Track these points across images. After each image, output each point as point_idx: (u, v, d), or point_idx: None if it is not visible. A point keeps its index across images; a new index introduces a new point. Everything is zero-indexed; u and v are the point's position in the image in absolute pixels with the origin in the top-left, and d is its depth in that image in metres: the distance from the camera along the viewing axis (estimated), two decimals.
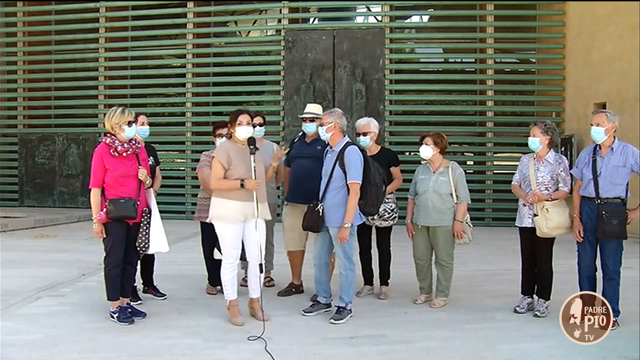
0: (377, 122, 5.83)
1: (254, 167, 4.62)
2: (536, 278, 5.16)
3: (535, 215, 4.95)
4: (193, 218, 5.94)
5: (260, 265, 4.70)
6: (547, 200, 4.90)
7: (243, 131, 4.71)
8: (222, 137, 5.74)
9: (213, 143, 5.92)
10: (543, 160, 5.05)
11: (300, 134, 5.82)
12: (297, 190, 5.49)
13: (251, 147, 4.64)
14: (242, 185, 4.60)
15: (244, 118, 4.73)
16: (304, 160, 5.49)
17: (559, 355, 4.09)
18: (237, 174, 4.67)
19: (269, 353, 4.02)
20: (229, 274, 4.78)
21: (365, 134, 5.60)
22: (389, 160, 5.63)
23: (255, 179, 4.61)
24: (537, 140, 5.03)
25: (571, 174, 5.01)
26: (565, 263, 5.36)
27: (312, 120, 5.54)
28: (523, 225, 5.12)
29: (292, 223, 5.60)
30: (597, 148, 4.75)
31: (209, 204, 5.63)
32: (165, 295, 5.60)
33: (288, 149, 5.34)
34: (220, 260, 5.52)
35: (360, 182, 4.78)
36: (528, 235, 5.10)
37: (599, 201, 4.63)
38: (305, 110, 5.66)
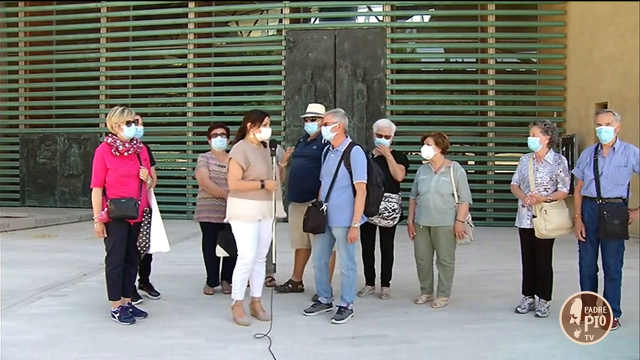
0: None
1: (274, 167, 4.69)
2: (536, 278, 5.15)
3: (534, 216, 4.94)
4: (193, 219, 5.94)
5: (274, 265, 4.78)
6: (546, 202, 4.90)
7: (268, 132, 4.77)
8: (216, 136, 5.77)
9: (202, 143, 5.95)
10: (542, 160, 5.04)
11: (305, 134, 5.83)
12: (296, 190, 5.55)
13: (272, 148, 4.70)
14: (262, 186, 4.64)
15: (268, 120, 4.78)
16: (300, 160, 5.53)
17: (560, 355, 4.08)
18: (255, 174, 4.68)
19: (272, 353, 4.02)
20: (242, 275, 4.75)
21: (387, 137, 5.62)
22: (395, 160, 5.62)
23: (275, 179, 4.67)
24: (536, 140, 5.01)
25: (572, 174, 5.00)
26: (566, 263, 5.36)
27: (313, 119, 5.56)
28: (522, 226, 5.11)
29: (295, 222, 5.62)
30: (599, 148, 4.75)
31: (206, 204, 5.68)
32: (159, 294, 5.60)
33: (293, 148, 5.39)
34: (219, 259, 5.56)
35: (366, 182, 4.80)
36: (527, 235, 5.09)
37: (600, 201, 4.62)
38: (307, 110, 5.67)
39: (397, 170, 5.56)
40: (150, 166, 5.10)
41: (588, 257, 4.78)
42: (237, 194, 4.73)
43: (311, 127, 5.59)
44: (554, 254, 5.10)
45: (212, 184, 5.65)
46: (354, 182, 4.80)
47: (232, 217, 4.75)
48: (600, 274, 4.79)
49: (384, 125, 5.70)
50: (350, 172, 4.82)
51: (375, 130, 5.72)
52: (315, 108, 5.67)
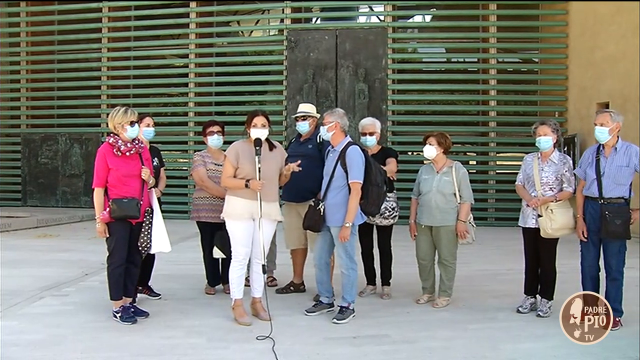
0: (380, 121, 5.85)
1: (259, 167, 4.64)
2: (540, 278, 5.15)
3: (539, 216, 4.93)
4: (190, 217, 5.93)
5: (263, 266, 4.73)
6: (552, 202, 4.89)
7: (257, 133, 4.75)
8: (212, 134, 5.77)
9: (204, 143, 5.96)
10: (547, 160, 5.03)
11: (297, 134, 5.84)
12: (291, 190, 5.51)
13: (257, 147, 4.67)
14: (246, 186, 4.62)
15: (258, 120, 4.76)
16: (296, 159, 5.48)
17: (562, 355, 4.08)
18: (244, 172, 4.70)
19: (274, 353, 4.02)
20: (237, 273, 4.77)
21: (372, 134, 5.61)
22: (385, 155, 5.62)
23: (259, 179, 4.63)
24: (550, 139, 4.98)
25: (574, 174, 5.00)
26: (568, 263, 5.35)
27: (304, 119, 5.57)
28: (527, 226, 5.11)
29: (290, 222, 5.64)
30: (601, 148, 4.73)
31: (205, 204, 5.67)
32: (159, 295, 5.60)
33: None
34: (219, 260, 5.55)
35: (362, 182, 4.79)
36: (532, 235, 5.09)
37: (602, 201, 4.62)
38: (298, 110, 5.69)
39: (390, 167, 5.51)
40: (155, 167, 5.13)
41: (590, 257, 4.77)
42: (231, 192, 4.78)
43: (302, 126, 5.60)
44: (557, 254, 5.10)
45: (212, 183, 5.63)
46: (349, 182, 4.80)
47: (225, 214, 4.81)
48: (602, 274, 4.79)
49: (367, 123, 5.69)
50: (346, 172, 4.82)
51: (360, 129, 5.71)
52: (306, 107, 5.69)
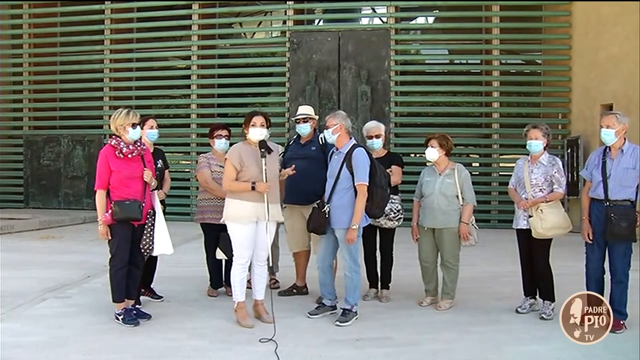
0: (383, 123, 5.86)
1: (265, 169, 4.64)
2: (537, 280, 5.15)
3: (530, 216, 4.97)
4: (194, 219, 5.93)
5: (271, 267, 4.74)
6: (542, 202, 4.91)
7: (256, 132, 4.74)
8: (220, 138, 5.77)
9: (206, 144, 5.95)
10: (537, 162, 5.08)
11: (295, 136, 5.84)
12: (293, 192, 5.52)
13: (262, 150, 4.66)
14: (253, 188, 4.61)
15: (257, 120, 4.76)
16: (299, 162, 5.46)
17: (565, 357, 4.07)
18: (248, 175, 4.69)
19: (277, 355, 4.01)
20: (239, 275, 4.76)
21: (377, 137, 5.60)
22: (392, 161, 5.62)
23: (266, 181, 4.62)
24: (540, 143, 5.05)
25: (580, 176, 4.99)
26: (573, 265, 5.34)
27: (305, 121, 5.57)
28: (519, 227, 5.13)
29: (292, 224, 5.63)
30: (607, 150, 4.73)
31: (209, 205, 5.67)
32: (162, 297, 5.59)
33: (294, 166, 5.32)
34: (221, 261, 5.54)
35: (368, 184, 4.78)
36: (524, 236, 5.13)
37: (608, 203, 4.61)
38: (299, 112, 5.68)
39: (392, 180, 5.49)
40: (159, 169, 5.13)
41: (595, 259, 4.76)
42: (233, 195, 4.75)
43: (304, 128, 5.61)
44: (560, 256, 5.10)
45: (216, 184, 5.63)
46: (355, 184, 4.79)
47: (227, 218, 4.78)
48: (607, 277, 4.77)
49: (372, 126, 5.69)
50: (352, 174, 4.81)
51: (365, 133, 5.70)
52: (306, 109, 5.70)
